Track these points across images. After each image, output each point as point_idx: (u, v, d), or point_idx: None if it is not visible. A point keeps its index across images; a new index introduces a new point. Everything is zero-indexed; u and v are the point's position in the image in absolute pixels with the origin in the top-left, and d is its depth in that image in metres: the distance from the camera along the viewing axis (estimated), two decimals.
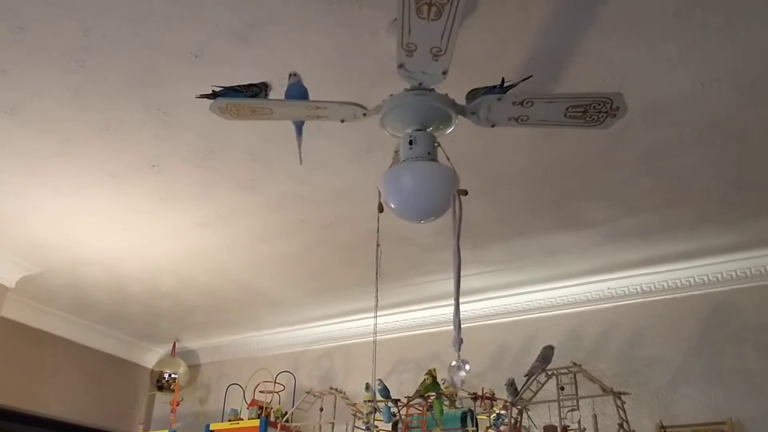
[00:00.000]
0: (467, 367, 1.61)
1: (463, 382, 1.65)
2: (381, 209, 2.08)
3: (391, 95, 2.03)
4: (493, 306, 4.18)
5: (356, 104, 2.02)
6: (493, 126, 2.06)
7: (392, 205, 2.00)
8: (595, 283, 3.90)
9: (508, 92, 1.98)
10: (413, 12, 1.69)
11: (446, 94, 2.00)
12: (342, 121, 2.10)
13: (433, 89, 1.98)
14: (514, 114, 2.00)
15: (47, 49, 2.34)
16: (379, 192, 2.03)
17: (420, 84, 1.96)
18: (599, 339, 3.85)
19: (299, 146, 2.28)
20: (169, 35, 2.26)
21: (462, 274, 1.96)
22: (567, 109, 1.96)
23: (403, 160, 1.99)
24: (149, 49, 2.33)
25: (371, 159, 2.84)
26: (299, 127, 2.26)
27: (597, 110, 1.93)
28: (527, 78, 2.08)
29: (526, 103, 1.95)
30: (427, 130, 2.02)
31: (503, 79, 2.00)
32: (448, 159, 2.03)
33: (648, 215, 3.24)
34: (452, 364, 1.62)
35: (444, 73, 1.91)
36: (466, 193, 1.89)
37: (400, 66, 1.88)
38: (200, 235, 3.62)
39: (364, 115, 2.05)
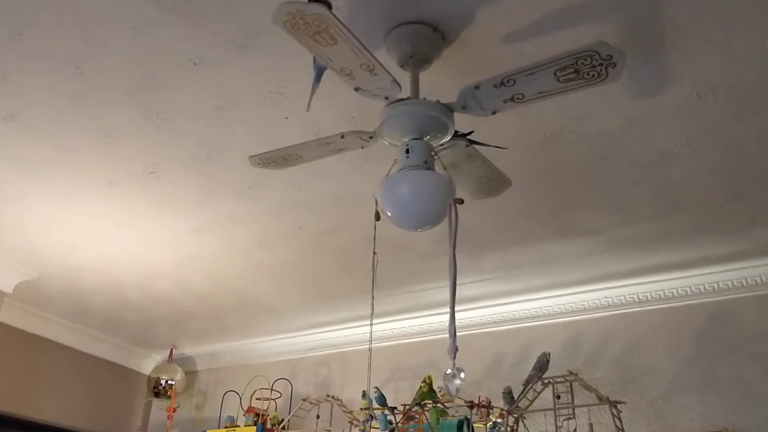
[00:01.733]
0: (462, 375, 1.61)
1: (458, 390, 1.66)
2: (378, 217, 2.09)
3: (387, 105, 2.04)
4: (489, 314, 4.18)
5: (398, 85, 1.99)
6: (494, 113, 2.04)
7: (389, 214, 2.01)
8: (592, 291, 3.91)
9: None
10: (556, 67, 1.84)
11: (437, 101, 2.01)
12: (356, 89, 2.01)
13: (424, 98, 1.99)
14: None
15: (47, 55, 2.35)
16: (376, 200, 2.04)
17: (463, 107, 2.00)
18: (596, 348, 3.86)
19: (312, 93, 2.13)
20: (168, 43, 2.27)
21: (458, 282, 1.96)
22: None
23: (400, 169, 2.00)
24: (148, 57, 2.34)
25: (369, 167, 2.85)
26: (320, 72, 2.09)
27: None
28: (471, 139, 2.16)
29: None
30: (424, 138, 2.04)
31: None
32: (444, 168, 2.04)
33: (645, 224, 3.25)
34: (447, 372, 1.62)
35: (494, 112, 1.99)
36: (462, 201, 1.90)
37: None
38: (198, 241, 3.63)
39: (386, 98, 2.03)
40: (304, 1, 1.68)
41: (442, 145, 2.11)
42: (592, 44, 1.80)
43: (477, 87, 1.95)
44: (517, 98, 1.96)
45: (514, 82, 1.90)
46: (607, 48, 1.80)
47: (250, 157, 2.34)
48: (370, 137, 2.07)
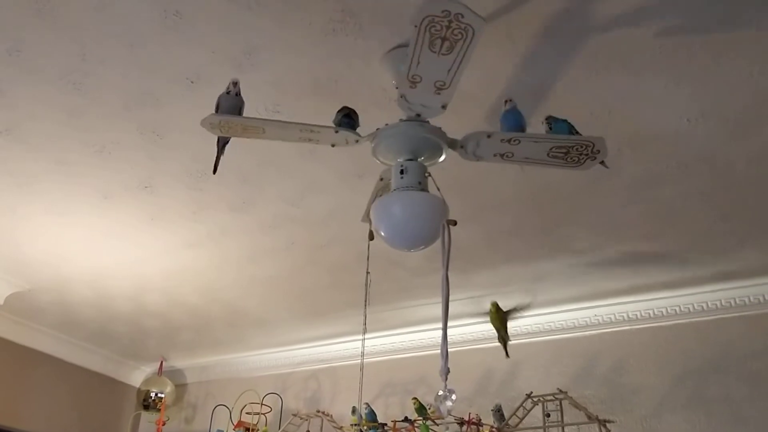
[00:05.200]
0: (453, 396, 1.63)
1: (449, 411, 1.67)
2: (372, 237, 2.11)
3: (387, 125, 2.06)
4: (480, 330, 4.19)
5: (350, 131, 2.06)
6: (478, 160, 2.11)
7: (383, 234, 2.03)
8: (582, 309, 3.93)
9: (496, 131, 2.04)
10: (425, 45, 1.73)
11: (439, 127, 2.04)
12: (333, 146, 2.12)
13: (427, 121, 2.02)
14: (501, 150, 2.05)
15: (44, 71, 2.37)
16: (370, 220, 2.06)
17: (418, 115, 2.00)
18: (585, 366, 3.88)
19: (217, 159, 2.24)
20: (166, 60, 2.29)
21: (450, 300, 1.98)
22: (551, 149, 2.02)
23: (394, 189, 2.02)
24: (146, 73, 2.36)
25: (363, 183, 2.87)
26: (224, 144, 2.24)
27: (578, 152, 1.98)
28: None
29: (514, 141, 2.00)
30: (418, 159, 2.06)
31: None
32: (438, 189, 2.06)
33: (635, 244, 3.28)
34: (439, 394, 1.64)
35: (443, 106, 1.95)
36: (455, 223, 1.92)
37: (402, 96, 1.92)
38: (190, 255, 3.64)
39: (357, 141, 2.08)
40: (218, 114, 2.01)
41: (462, 146, 2.09)
42: (595, 137, 1.98)
43: (489, 136, 2.02)
44: (507, 156, 2.09)
45: (519, 142, 2.02)
46: (602, 144, 1.99)
47: (203, 120, 2.05)
48: (357, 141, 2.08)
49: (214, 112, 2.07)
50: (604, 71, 2.23)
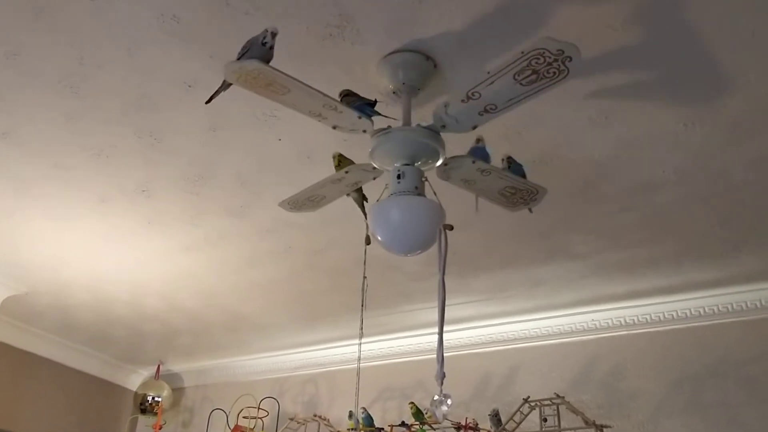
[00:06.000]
0: (449, 401, 1.63)
1: (445, 416, 1.67)
2: (368, 242, 2.12)
3: (390, 126, 2.07)
4: (478, 335, 4.19)
5: (369, 120, 2.03)
6: (474, 128, 2.05)
7: (379, 238, 2.04)
8: (580, 314, 3.93)
9: (481, 161, 2.13)
10: (513, 72, 1.75)
11: (438, 133, 2.04)
12: (334, 128, 2.07)
13: (418, 124, 2.02)
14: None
15: (42, 75, 2.37)
16: (367, 224, 2.06)
17: (443, 126, 2.01)
18: (583, 370, 3.88)
19: (215, 93, 2.07)
20: (164, 65, 2.29)
21: (447, 303, 1.98)
22: (505, 187, 2.12)
23: (391, 194, 2.03)
24: (143, 78, 2.36)
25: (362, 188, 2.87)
26: (228, 85, 2.02)
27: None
28: None
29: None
30: (416, 164, 2.06)
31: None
32: (434, 194, 2.06)
33: (632, 249, 3.29)
34: (435, 398, 1.64)
35: (474, 127, 1.99)
36: (451, 228, 1.93)
37: (446, 105, 1.93)
38: (188, 259, 3.64)
39: (364, 131, 2.07)
40: (244, 60, 1.79)
41: (446, 164, 2.14)
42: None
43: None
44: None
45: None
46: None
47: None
48: (364, 131, 2.06)
49: (236, 59, 1.89)
50: (601, 75, 2.23)
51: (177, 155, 2.78)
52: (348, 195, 2.37)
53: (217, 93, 2.03)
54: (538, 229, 3.17)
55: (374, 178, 2.23)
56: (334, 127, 2.06)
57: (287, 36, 2.14)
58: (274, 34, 1.85)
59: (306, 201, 2.36)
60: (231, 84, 1.96)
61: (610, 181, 2.77)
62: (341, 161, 2.23)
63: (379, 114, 2.09)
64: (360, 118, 2.00)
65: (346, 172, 2.19)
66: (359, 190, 2.36)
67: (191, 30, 2.14)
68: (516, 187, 2.22)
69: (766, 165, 2.64)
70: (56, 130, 2.66)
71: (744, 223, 3.04)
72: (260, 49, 1.85)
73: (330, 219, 3.18)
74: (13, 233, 3.45)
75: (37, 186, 3.04)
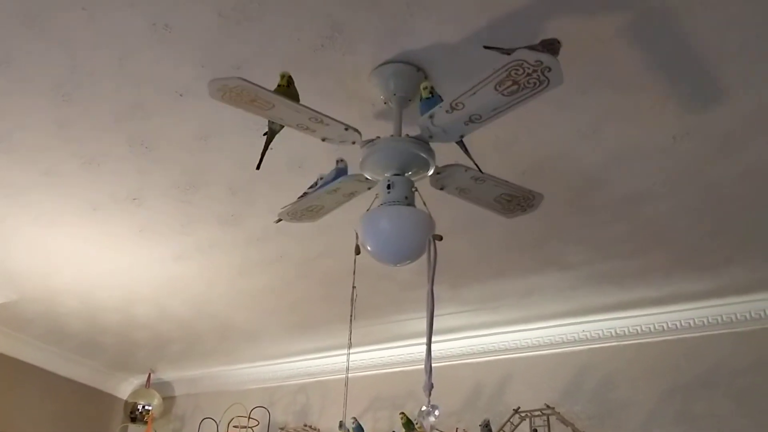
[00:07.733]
0: (437, 412, 1.63)
1: (433, 427, 1.67)
2: (358, 251, 2.12)
3: (378, 137, 2.07)
4: (469, 345, 4.19)
5: (357, 131, 2.04)
6: (462, 137, 2.06)
7: (369, 248, 2.04)
8: (570, 325, 3.93)
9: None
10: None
11: (428, 143, 2.05)
12: (323, 140, 2.09)
13: (407, 135, 2.03)
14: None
15: (34, 82, 2.37)
16: (357, 234, 2.07)
17: (430, 136, 2.01)
18: (573, 381, 3.88)
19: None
20: (155, 73, 2.30)
21: (438, 312, 1.99)
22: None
23: (381, 204, 2.03)
24: (135, 86, 2.36)
25: (353, 198, 2.87)
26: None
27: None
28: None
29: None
30: (406, 174, 2.07)
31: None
32: (424, 204, 2.07)
33: (623, 260, 3.29)
34: (422, 409, 1.64)
35: (462, 137, 1.99)
36: (441, 238, 1.93)
37: (432, 115, 1.93)
38: (179, 267, 3.63)
39: (353, 143, 2.07)
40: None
41: (439, 173, 2.14)
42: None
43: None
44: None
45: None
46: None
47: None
48: (353, 142, 2.07)
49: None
50: (591, 90, 2.24)
51: (168, 163, 2.78)
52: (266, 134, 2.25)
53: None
54: (529, 240, 3.18)
55: (369, 188, 2.23)
56: (323, 139, 2.07)
57: (278, 46, 2.15)
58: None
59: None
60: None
61: (600, 193, 2.78)
62: (290, 82, 2.05)
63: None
64: (347, 129, 2.01)
65: (327, 125, 2.06)
66: (272, 132, 2.24)
67: (183, 39, 2.14)
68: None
69: (756, 177, 2.65)
70: (48, 137, 2.66)
71: (734, 235, 3.05)
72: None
73: (321, 228, 3.17)
74: (3, 240, 3.44)
75: (28, 193, 3.03)
